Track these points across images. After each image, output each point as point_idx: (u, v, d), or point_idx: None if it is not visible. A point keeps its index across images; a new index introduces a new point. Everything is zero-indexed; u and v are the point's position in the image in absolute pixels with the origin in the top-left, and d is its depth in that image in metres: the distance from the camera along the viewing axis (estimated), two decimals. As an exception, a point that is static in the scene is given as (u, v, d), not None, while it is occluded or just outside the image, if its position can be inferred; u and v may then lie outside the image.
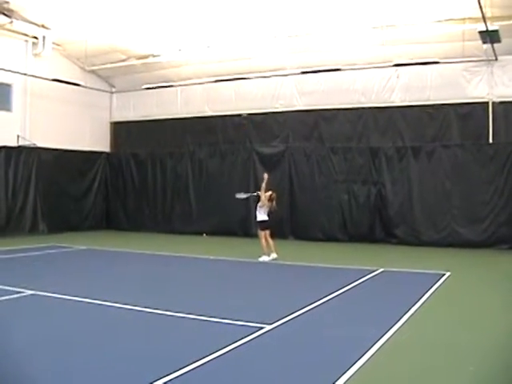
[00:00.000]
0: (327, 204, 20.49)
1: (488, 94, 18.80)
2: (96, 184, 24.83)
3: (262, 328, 7.76)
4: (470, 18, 16.64)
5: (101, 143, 25.62)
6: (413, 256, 16.88)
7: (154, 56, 22.31)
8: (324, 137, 21.36)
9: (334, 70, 19.99)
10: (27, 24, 20.28)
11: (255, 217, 15.49)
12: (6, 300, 9.60)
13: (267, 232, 15.17)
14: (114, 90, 26.16)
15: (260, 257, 15.06)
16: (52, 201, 22.22)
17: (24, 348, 6.93)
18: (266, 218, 15.12)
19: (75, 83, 22.05)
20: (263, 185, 15.17)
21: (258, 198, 15.33)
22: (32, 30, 20.91)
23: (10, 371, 6.01)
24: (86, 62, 22.99)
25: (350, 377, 5.87)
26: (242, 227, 21.74)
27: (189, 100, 24.15)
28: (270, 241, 15.17)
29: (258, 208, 15.25)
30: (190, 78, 23.52)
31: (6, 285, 10.70)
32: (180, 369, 5.98)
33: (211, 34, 20.10)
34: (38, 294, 10.09)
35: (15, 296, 9.89)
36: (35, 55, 21.75)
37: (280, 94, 22.16)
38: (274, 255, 15.02)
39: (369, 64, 20.02)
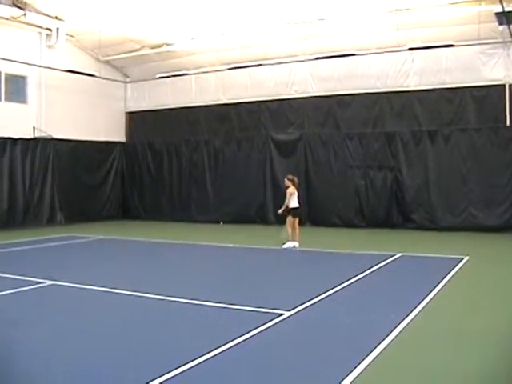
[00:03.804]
0: (344, 190, 20.47)
1: (505, 76, 18.55)
2: (112, 174, 24.99)
3: (281, 314, 7.78)
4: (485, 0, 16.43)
5: (116, 133, 25.71)
6: (430, 241, 16.82)
7: (167, 45, 22.28)
8: (339, 122, 21.27)
9: (348, 55, 19.85)
10: (40, 16, 20.32)
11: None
12: (26, 290, 9.70)
13: (296, 219, 15.17)
14: (128, 79, 26.19)
15: (284, 243, 15.02)
16: (69, 191, 22.36)
17: (44, 337, 7.02)
18: (297, 205, 15.10)
19: (89, 74, 22.14)
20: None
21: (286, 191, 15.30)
22: (45, 22, 20.92)
23: (30, 359, 6.11)
24: (100, 53, 23.03)
25: (370, 363, 5.87)
26: (260, 214, 21.78)
27: (203, 88, 24.10)
28: (297, 229, 15.18)
29: (288, 195, 15.14)
30: (204, 66, 23.48)
31: (26, 275, 10.82)
32: (201, 356, 6.01)
33: (224, 22, 20.01)
34: (58, 284, 10.19)
35: (36, 286, 10.00)
36: (49, 47, 21.79)
37: (294, 81, 22.05)
38: (295, 243, 15.00)
39: (383, 48, 19.85)
